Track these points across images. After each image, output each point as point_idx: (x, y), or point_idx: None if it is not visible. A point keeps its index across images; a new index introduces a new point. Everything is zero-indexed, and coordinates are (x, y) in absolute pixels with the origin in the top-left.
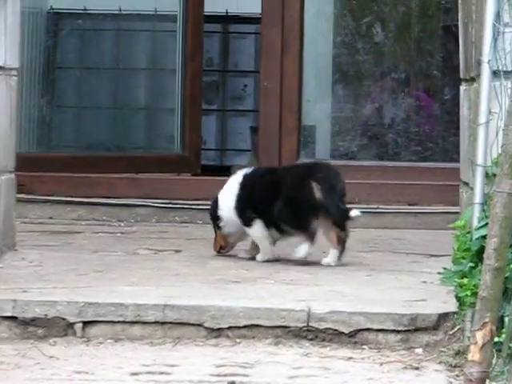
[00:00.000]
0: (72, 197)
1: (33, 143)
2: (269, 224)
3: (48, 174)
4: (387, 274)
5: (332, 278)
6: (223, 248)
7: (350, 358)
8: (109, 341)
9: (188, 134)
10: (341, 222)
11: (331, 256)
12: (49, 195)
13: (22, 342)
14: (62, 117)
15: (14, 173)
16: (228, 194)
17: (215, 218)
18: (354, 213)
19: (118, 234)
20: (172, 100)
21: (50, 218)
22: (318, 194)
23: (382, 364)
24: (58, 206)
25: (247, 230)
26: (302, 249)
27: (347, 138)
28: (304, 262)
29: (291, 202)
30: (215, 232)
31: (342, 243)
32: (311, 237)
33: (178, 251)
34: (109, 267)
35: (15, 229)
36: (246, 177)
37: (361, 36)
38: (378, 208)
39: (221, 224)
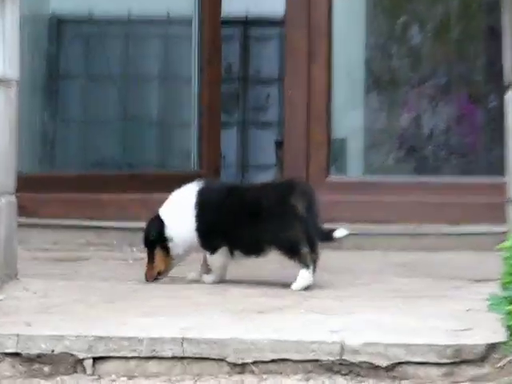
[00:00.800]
0: (79, 220)
1: (35, 162)
2: (236, 247)
3: (52, 196)
4: (428, 300)
5: (367, 306)
6: (161, 274)
7: None
8: (122, 378)
9: (206, 149)
10: (322, 243)
11: (304, 275)
12: (53, 218)
13: (27, 380)
14: (66, 132)
15: (15, 194)
16: (181, 213)
17: (161, 240)
18: (340, 233)
19: (130, 261)
20: (187, 112)
21: (55, 243)
22: (301, 211)
23: None
24: (64, 231)
25: (208, 256)
26: (302, 279)
27: (382, 152)
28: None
29: (276, 222)
30: (151, 256)
31: (314, 264)
32: (305, 260)
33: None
34: (121, 297)
35: (17, 256)
36: (203, 194)
37: (396, 38)
38: (416, 228)
39: (170, 245)
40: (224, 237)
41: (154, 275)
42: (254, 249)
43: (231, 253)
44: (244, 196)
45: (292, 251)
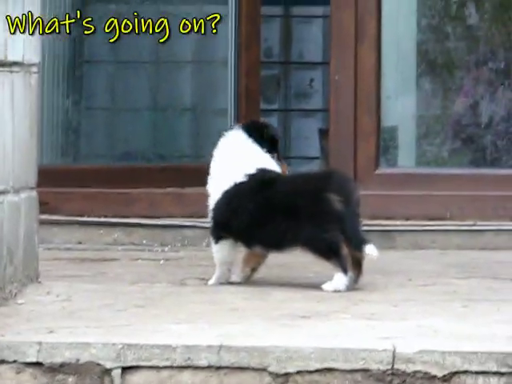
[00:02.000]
0: (106, 217)
1: (58, 153)
2: (256, 243)
3: (76, 190)
4: (488, 304)
5: (421, 311)
6: None
7: None
8: None
9: None
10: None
11: (341, 279)
12: (78, 215)
13: None
14: (92, 121)
15: (36, 189)
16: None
17: None
18: (369, 250)
19: (162, 261)
20: (224, 99)
21: (80, 242)
22: (338, 206)
23: None
24: (89, 229)
25: (212, 246)
26: (337, 281)
27: (436, 142)
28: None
29: (308, 219)
30: None
31: (358, 265)
32: (344, 263)
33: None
34: (151, 301)
35: (38, 257)
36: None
37: (451, 18)
38: (474, 225)
39: None
40: (234, 229)
41: None
42: (277, 247)
43: (249, 247)
44: (269, 187)
45: (328, 253)
